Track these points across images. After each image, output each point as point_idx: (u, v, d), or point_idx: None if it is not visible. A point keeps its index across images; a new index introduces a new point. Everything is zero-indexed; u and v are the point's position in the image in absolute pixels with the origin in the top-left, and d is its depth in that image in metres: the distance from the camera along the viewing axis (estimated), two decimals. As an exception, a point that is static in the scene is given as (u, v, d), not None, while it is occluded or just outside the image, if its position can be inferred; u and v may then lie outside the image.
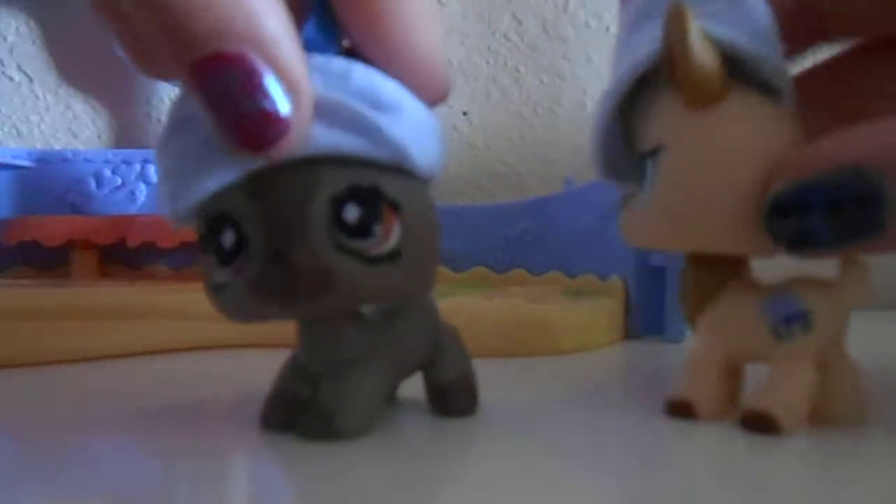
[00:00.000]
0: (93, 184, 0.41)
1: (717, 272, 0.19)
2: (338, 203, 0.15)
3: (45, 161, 0.40)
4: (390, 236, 0.15)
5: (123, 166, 0.41)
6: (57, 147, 0.48)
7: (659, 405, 0.19)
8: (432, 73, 0.16)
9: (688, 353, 0.19)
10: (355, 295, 0.15)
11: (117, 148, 0.48)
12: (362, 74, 0.15)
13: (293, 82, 0.14)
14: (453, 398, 0.19)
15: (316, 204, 0.15)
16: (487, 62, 0.49)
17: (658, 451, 0.17)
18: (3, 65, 0.48)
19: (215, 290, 0.16)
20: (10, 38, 0.47)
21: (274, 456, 0.16)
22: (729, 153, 0.17)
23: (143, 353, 0.29)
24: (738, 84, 0.17)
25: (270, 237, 0.15)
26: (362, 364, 0.17)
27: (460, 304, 0.29)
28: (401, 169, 0.16)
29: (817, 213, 0.15)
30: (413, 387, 0.19)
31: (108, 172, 0.41)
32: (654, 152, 0.17)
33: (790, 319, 0.17)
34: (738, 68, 0.17)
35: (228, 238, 0.15)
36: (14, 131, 0.48)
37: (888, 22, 0.21)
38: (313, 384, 0.17)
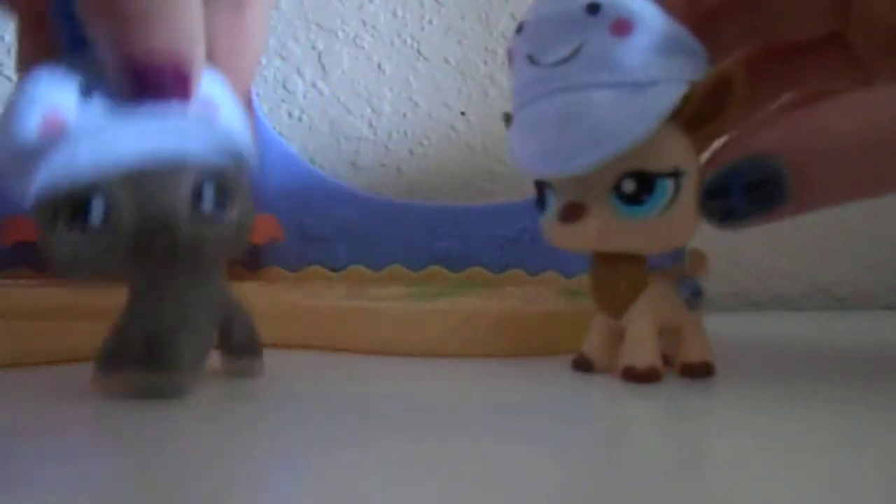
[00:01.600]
0: (90, 184, 0.40)
1: (636, 267, 0.23)
2: (198, 187, 0.19)
3: (43, 161, 0.40)
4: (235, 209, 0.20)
5: (121, 166, 0.41)
6: (54, 147, 0.48)
7: (658, 405, 0.20)
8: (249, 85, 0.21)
9: (631, 329, 0.23)
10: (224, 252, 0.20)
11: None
12: (208, 79, 0.19)
13: (199, 70, 0.19)
14: (244, 344, 0.23)
15: (183, 185, 0.19)
16: (485, 62, 0.49)
17: (657, 450, 0.17)
18: (1, 65, 0.47)
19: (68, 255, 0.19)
20: (7, 38, 0.47)
21: (276, 456, 0.17)
22: None
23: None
24: None
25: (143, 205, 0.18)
26: (193, 315, 0.21)
27: (457, 303, 0.29)
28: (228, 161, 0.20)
29: (736, 194, 0.20)
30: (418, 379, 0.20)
31: (105, 172, 0.41)
32: (674, 175, 0.21)
33: (696, 294, 0.23)
34: None
35: (97, 207, 0.18)
36: (11, 131, 0.48)
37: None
38: (147, 338, 0.20)
